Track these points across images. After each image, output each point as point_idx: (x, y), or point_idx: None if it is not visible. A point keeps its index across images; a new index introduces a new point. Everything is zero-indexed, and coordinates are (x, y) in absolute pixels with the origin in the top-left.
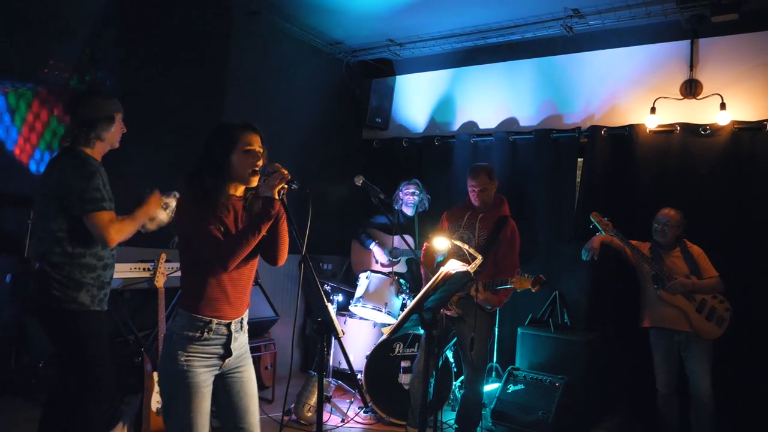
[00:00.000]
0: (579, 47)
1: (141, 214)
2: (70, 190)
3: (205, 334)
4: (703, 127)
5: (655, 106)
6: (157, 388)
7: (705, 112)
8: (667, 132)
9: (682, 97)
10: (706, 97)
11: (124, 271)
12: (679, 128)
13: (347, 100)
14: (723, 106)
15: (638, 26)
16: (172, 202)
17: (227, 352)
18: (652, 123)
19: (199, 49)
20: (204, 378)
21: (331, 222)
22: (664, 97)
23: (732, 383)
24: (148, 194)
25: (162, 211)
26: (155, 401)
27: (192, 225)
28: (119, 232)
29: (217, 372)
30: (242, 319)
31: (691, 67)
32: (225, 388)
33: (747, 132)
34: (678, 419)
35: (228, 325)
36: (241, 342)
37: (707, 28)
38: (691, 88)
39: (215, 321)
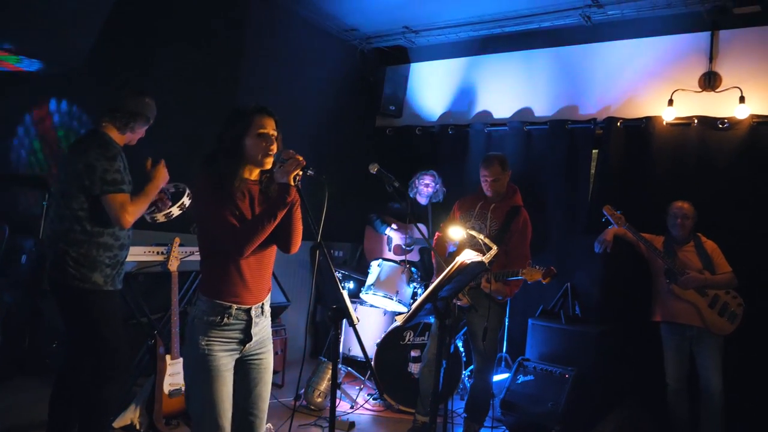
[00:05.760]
0: (597, 37)
1: (151, 189)
2: (93, 170)
3: (225, 319)
4: (721, 120)
5: (673, 98)
6: (169, 370)
7: (723, 106)
8: (684, 125)
9: (700, 90)
10: (725, 90)
11: (138, 254)
12: (696, 121)
13: (361, 87)
14: (742, 99)
15: (658, 17)
16: (186, 200)
17: (247, 337)
18: (669, 115)
19: (214, 35)
20: (225, 362)
21: (343, 209)
22: (682, 90)
23: (743, 379)
24: (154, 167)
25: (171, 204)
26: (168, 383)
27: (209, 211)
28: (133, 213)
29: (237, 356)
30: (263, 304)
31: (711, 59)
32: (243, 372)
33: (766, 126)
34: (687, 413)
35: (248, 311)
36: (262, 326)
37: (728, 19)
38: (710, 81)
39: (235, 306)
